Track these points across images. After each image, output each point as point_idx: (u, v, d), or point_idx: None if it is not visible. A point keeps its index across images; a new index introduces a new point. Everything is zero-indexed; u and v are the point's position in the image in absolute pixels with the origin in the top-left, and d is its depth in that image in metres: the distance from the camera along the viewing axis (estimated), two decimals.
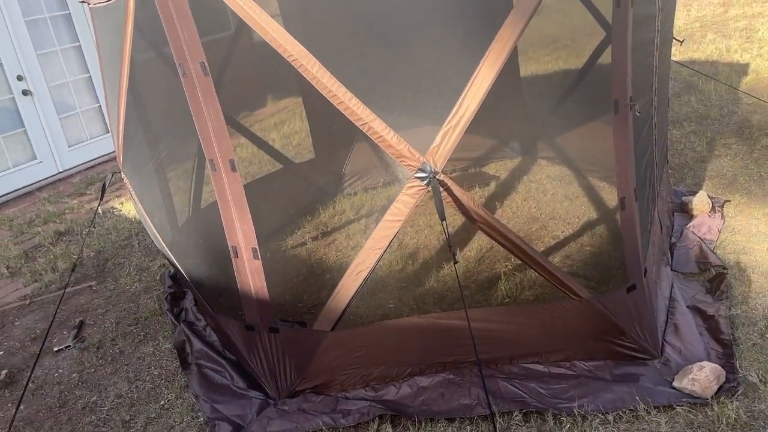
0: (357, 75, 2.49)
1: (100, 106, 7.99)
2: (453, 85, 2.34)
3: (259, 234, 2.83)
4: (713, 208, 4.10)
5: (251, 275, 2.70)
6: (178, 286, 4.25)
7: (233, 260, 2.75)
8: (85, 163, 7.79)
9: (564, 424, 2.53)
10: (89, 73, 7.89)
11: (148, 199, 3.45)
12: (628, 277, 2.71)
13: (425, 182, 2.28)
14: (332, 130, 5.53)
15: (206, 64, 2.38)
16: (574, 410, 2.56)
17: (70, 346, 3.81)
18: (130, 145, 3.22)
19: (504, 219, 4.74)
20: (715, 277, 3.38)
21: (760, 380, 2.58)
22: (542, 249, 4.17)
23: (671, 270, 3.51)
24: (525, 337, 2.75)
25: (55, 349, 3.83)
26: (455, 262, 2.23)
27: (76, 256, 5.20)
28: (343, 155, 5.71)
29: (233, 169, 2.54)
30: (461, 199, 2.31)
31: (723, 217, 4.02)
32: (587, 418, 2.53)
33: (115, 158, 3.53)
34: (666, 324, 3.01)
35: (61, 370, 3.59)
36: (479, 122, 5.70)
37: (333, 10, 4.71)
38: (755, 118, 5.47)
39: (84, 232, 5.78)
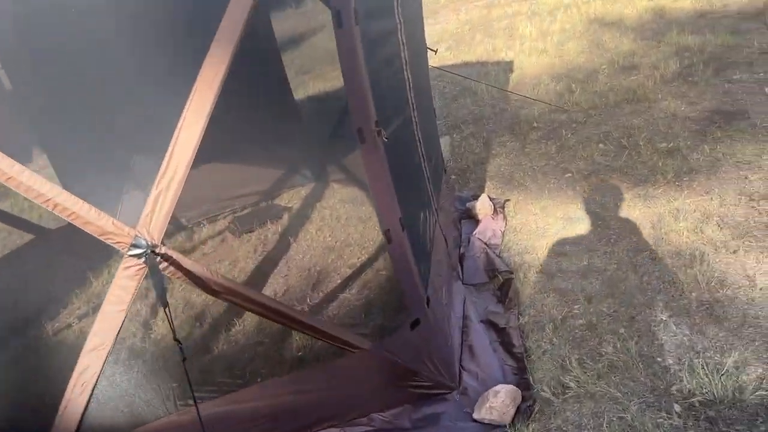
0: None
1: None
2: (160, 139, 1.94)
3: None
4: (495, 209, 4.14)
5: None
6: None
7: None
8: None
9: None
10: None
11: None
12: (409, 312, 2.50)
13: (143, 259, 1.85)
14: (94, 183, 4.82)
15: None
16: None
17: None
18: None
19: (299, 254, 4.44)
20: (503, 283, 3.34)
21: (553, 393, 2.50)
22: (339, 281, 3.93)
23: (463, 284, 3.42)
24: (315, 403, 2.42)
25: None
26: (183, 359, 1.82)
27: None
28: (111, 210, 5.00)
29: None
30: (194, 271, 1.91)
31: (505, 218, 4.06)
32: None
33: None
34: (461, 347, 2.88)
35: None
36: (264, 152, 5.36)
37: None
38: (523, 113, 5.75)
39: None
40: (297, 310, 2.29)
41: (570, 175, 4.41)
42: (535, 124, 5.40)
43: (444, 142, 5.53)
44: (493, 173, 4.78)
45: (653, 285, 3.04)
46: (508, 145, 5.20)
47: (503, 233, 3.89)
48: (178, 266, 1.89)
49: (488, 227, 3.95)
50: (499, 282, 3.38)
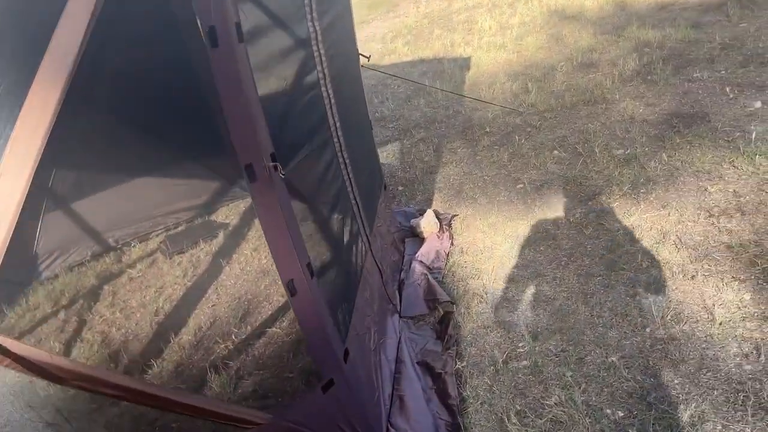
0: None
1: None
2: None
3: None
4: (441, 227, 3.82)
5: None
6: None
7: None
8: None
9: None
10: None
11: None
12: (321, 373, 2.16)
13: None
14: None
15: None
16: None
17: None
18: None
19: (231, 278, 4.07)
20: (444, 316, 3.03)
21: None
22: (270, 312, 3.58)
23: (400, 317, 3.10)
24: None
25: None
26: None
27: None
28: (30, 230, 4.58)
29: None
30: (28, 357, 1.55)
31: (451, 236, 3.75)
32: None
33: None
34: (392, 398, 2.56)
35: None
36: (197, 163, 4.96)
37: None
38: (477, 116, 5.43)
39: None
40: (170, 388, 1.94)
41: (522, 185, 4.10)
42: (488, 129, 5.09)
43: (393, 149, 5.20)
44: (442, 184, 4.46)
45: (605, 318, 2.75)
46: (459, 152, 4.88)
47: (448, 255, 3.57)
48: (6, 353, 1.52)
49: (433, 248, 3.63)
50: (440, 314, 3.07)
